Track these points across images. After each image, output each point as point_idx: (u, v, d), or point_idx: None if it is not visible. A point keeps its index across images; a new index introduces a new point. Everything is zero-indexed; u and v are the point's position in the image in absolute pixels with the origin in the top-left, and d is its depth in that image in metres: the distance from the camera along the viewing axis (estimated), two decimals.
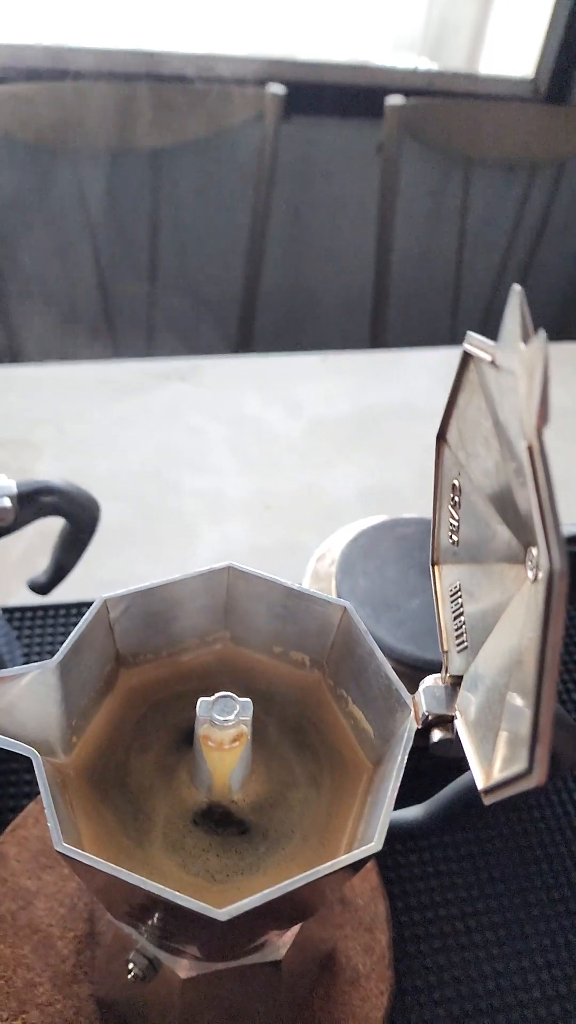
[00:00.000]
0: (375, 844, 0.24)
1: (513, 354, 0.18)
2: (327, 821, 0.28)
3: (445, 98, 1.03)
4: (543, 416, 0.16)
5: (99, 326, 1.03)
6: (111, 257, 1.02)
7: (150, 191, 1.01)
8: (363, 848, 0.24)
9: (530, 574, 0.21)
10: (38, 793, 0.45)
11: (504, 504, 0.22)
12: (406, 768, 0.25)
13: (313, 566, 0.48)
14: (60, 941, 0.38)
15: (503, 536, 0.23)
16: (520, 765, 0.18)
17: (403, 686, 0.27)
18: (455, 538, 0.26)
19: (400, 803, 0.34)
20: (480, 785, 0.22)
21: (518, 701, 0.20)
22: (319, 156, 1.04)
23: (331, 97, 1.01)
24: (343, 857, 0.23)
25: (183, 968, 0.31)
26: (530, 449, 0.16)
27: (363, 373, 0.73)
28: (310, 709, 0.32)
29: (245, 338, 1.04)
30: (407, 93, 0.97)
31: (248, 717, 0.27)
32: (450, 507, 0.26)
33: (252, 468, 0.64)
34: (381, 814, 0.24)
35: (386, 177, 0.99)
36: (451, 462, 0.26)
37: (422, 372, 0.72)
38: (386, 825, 0.24)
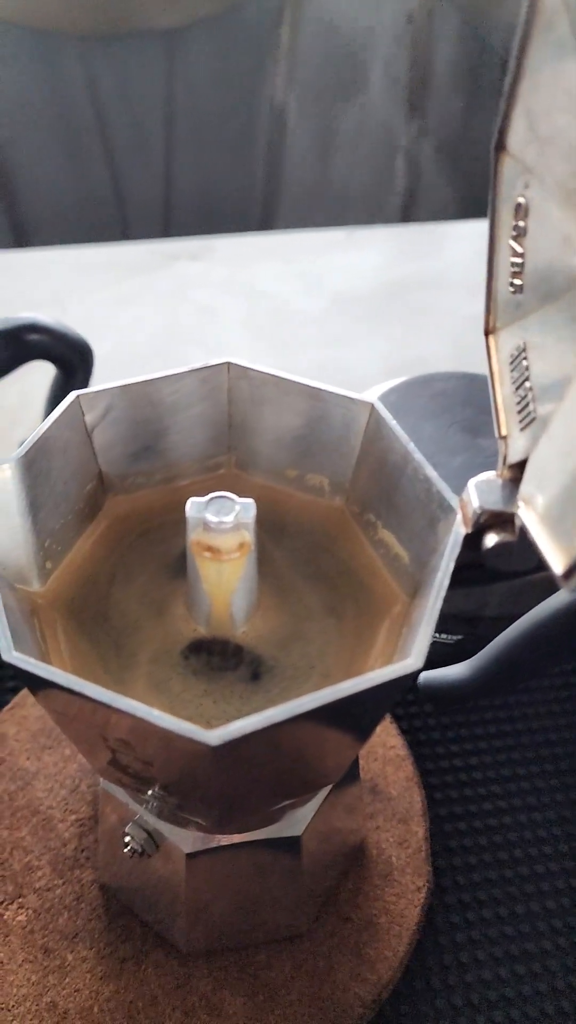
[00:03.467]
0: (413, 661, 0.18)
1: None
2: (351, 661, 0.23)
3: None
4: None
5: (112, 218, 0.97)
6: (123, 147, 0.95)
7: (163, 75, 0.93)
8: (399, 664, 0.18)
9: None
10: None
11: None
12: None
13: None
14: (61, 824, 0.34)
15: None
16: None
17: (447, 487, 0.22)
18: (518, 282, 0.20)
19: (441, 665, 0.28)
20: (559, 569, 0.16)
21: None
22: (343, 30, 0.95)
23: None
24: (373, 673, 0.18)
25: (187, 842, 0.27)
26: None
27: (393, 246, 0.66)
28: (332, 542, 0.26)
29: (266, 225, 0.97)
30: None
31: (250, 519, 0.21)
32: (511, 242, 0.20)
33: (268, 345, 0.58)
34: (420, 629, 0.19)
35: (417, 51, 0.90)
36: (514, 174, 0.19)
37: (459, 244, 0.65)
38: (427, 641, 0.19)
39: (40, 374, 0.43)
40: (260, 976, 0.31)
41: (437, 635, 0.38)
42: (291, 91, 0.93)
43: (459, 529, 0.21)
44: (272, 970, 0.31)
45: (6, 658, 0.18)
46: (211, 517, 0.21)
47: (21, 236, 0.95)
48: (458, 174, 0.93)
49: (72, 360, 0.37)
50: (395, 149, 0.95)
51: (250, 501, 0.21)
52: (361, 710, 0.20)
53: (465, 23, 0.94)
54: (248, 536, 0.21)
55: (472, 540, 0.21)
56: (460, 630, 0.38)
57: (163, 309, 0.60)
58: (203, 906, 0.29)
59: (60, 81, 0.94)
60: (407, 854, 0.34)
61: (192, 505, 0.21)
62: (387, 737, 0.37)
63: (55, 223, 0.94)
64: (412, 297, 0.61)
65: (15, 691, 0.39)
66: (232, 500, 0.21)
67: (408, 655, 0.18)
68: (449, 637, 0.38)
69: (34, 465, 0.23)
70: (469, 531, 0.21)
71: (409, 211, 0.96)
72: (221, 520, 0.21)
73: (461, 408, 0.41)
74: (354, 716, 0.20)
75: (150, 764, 0.21)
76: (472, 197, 1.01)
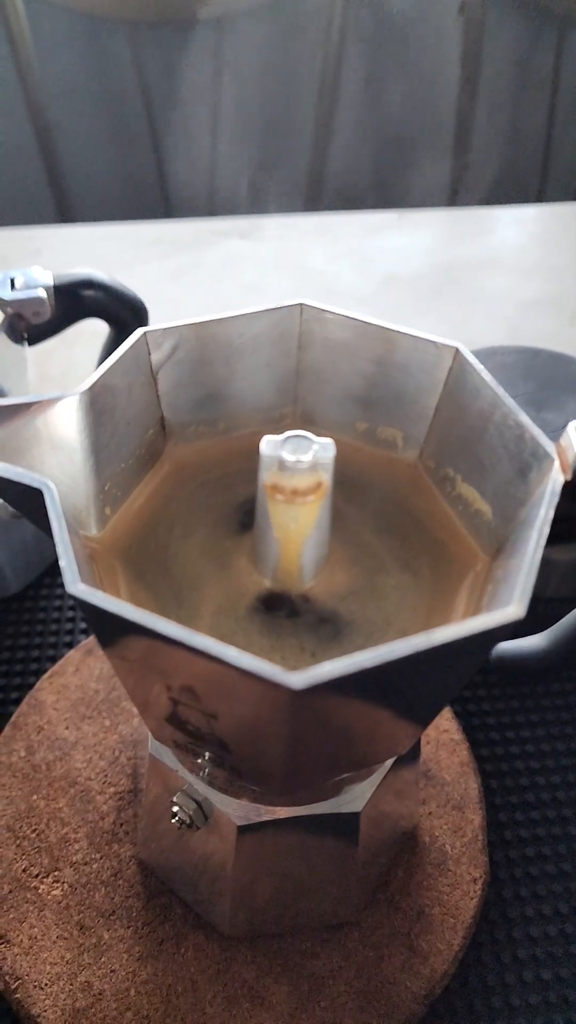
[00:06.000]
0: (515, 609, 0.17)
1: None
2: (428, 620, 0.21)
3: None
4: None
5: (155, 200, 0.97)
6: (169, 132, 0.95)
7: (211, 62, 0.93)
8: (502, 612, 0.17)
9: None
10: (79, 640, 0.39)
11: None
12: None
13: None
14: (99, 796, 0.33)
15: None
16: None
17: (541, 432, 0.20)
18: None
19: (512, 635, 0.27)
20: None
21: None
22: (393, 19, 0.94)
23: None
24: (474, 620, 0.16)
25: (239, 815, 0.25)
26: None
27: (445, 229, 0.64)
28: (405, 500, 0.24)
29: (311, 209, 0.96)
30: None
31: (329, 460, 0.20)
32: None
33: None
34: (521, 577, 0.17)
35: (469, 41, 0.88)
36: None
37: (512, 228, 0.63)
38: (529, 590, 0.17)
39: (84, 344, 0.42)
40: (306, 965, 0.29)
41: None
42: (339, 77, 0.92)
43: (557, 476, 0.19)
44: (318, 959, 0.30)
45: (71, 591, 0.17)
46: (287, 456, 0.19)
47: (66, 216, 0.96)
48: (508, 160, 0.91)
49: (127, 319, 0.35)
50: (444, 134, 0.93)
51: (329, 441, 0.20)
52: (452, 664, 0.18)
53: (516, 13, 0.93)
54: (325, 478, 0.20)
55: (571, 489, 0.19)
56: None
57: (212, 285, 0.59)
58: (249, 886, 0.28)
59: (108, 66, 0.94)
60: (462, 843, 0.32)
61: (268, 443, 0.20)
62: (440, 720, 0.36)
63: (99, 204, 0.94)
64: (465, 279, 0.59)
65: (54, 659, 0.38)
66: (310, 439, 0.20)
67: (508, 603, 0.17)
68: None
69: (97, 401, 0.21)
70: (568, 479, 0.19)
71: (458, 196, 0.94)
72: (298, 459, 0.19)
73: (523, 382, 0.39)
74: (443, 672, 0.18)
75: (214, 717, 0.19)
76: (521, 183, 0.99)
